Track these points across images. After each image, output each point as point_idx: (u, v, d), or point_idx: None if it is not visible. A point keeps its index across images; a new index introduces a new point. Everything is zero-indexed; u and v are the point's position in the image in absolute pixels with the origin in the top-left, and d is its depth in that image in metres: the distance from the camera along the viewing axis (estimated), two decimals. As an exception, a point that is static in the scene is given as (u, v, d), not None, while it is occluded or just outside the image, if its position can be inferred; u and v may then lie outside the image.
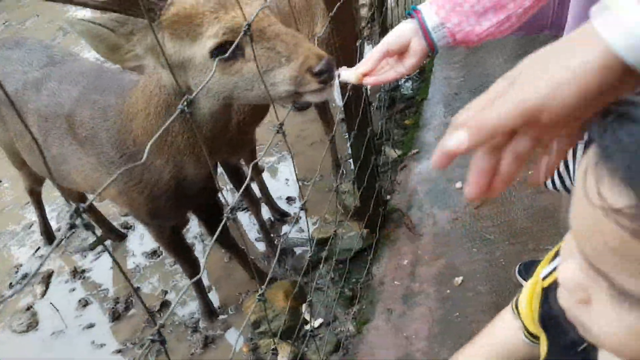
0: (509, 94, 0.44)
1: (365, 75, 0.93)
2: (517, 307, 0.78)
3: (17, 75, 1.59)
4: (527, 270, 1.61)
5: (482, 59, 2.54)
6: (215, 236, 0.84)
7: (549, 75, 0.42)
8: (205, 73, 1.01)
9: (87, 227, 0.49)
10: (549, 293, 0.68)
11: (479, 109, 0.46)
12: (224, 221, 0.83)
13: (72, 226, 0.48)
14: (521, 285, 1.43)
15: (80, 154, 1.42)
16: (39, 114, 1.48)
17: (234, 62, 0.99)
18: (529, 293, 0.75)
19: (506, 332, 0.81)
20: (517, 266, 1.62)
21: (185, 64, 1.03)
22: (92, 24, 0.97)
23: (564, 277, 0.46)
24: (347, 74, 0.94)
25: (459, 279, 1.67)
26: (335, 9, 1.36)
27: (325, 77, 0.97)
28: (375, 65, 0.92)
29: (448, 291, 1.65)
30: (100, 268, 2.28)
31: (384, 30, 2.51)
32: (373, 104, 2.49)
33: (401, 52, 0.90)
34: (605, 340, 0.44)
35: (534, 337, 0.75)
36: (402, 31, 0.89)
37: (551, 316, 0.67)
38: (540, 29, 1.90)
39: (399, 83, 2.59)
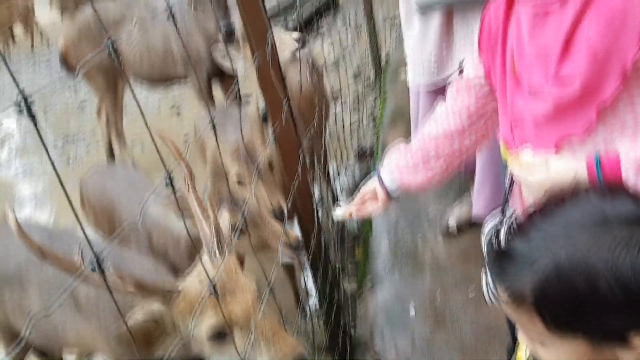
0: None
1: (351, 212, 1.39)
2: None
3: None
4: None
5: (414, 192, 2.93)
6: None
7: None
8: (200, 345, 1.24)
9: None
10: None
11: None
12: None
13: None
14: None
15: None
16: None
17: (226, 345, 1.22)
18: None
19: None
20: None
21: (195, 338, 1.24)
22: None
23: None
24: (339, 213, 1.40)
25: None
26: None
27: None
28: (357, 205, 1.39)
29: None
30: None
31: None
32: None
33: (372, 197, 1.37)
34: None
35: None
36: (371, 182, 1.38)
37: None
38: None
39: (345, 223, 2.89)
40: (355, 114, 4.16)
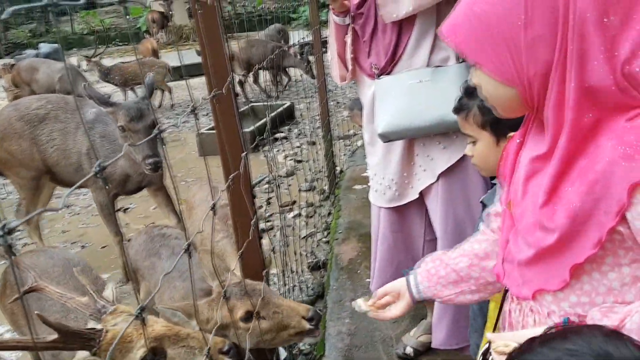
0: None
1: (372, 306, 1.36)
2: None
3: None
4: None
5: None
6: None
7: None
8: None
9: None
10: None
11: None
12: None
13: None
14: None
15: None
16: None
17: None
18: None
19: None
20: None
21: None
22: None
23: None
24: (359, 304, 1.37)
25: None
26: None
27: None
28: (378, 302, 1.36)
29: None
30: None
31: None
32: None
33: (395, 296, 1.35)
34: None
35: None
36: (398, 282, 1.35)
37: None
38: None
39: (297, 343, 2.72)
40: (309, 227, 4.13)
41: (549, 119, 0.92)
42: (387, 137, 2.06)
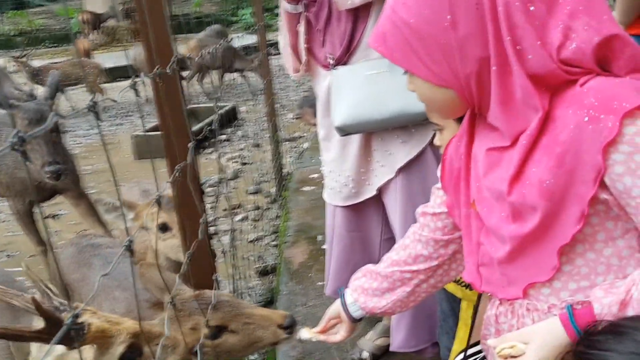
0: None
1: (318, 332, 1.32)
2: None
3: None
4: None
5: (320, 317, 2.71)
6: None
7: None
8: None
9: None
10: None
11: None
12: None
13: None
14: None
15: None
16: None
17: None
18: None
19: None
20: None
21: None
22: None
23: None
24: (303, 333, 1.35)
25: None
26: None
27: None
28: (324, 327, 1.33)
29: None
30: None
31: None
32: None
33: (338, 320, 1.31)
34: None
35: None
36: (336, 305, 1.32)
37: None
38: None
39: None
40: (257, 231, 3.98)
41: (498, 114, 0.88)
42: (345, 130, 1.95)
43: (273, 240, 3.85)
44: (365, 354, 2.37)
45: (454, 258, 1.20)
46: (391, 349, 2.20)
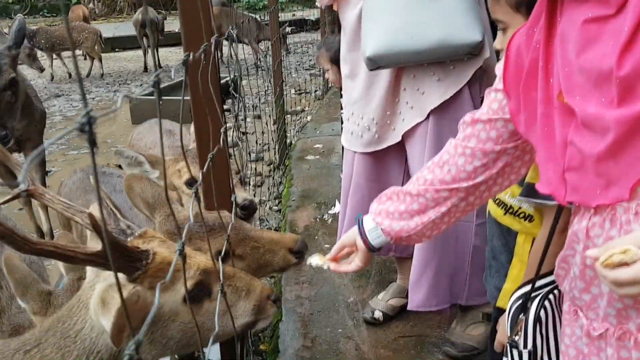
0: None
1: (331, 260, 1.19)
2: None
3: None
4: None
5: (329, 277, 2.57)
6: None
7: None
8: (169, 321, 1.04)
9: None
10: None
11: None
12: None
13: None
14: None
15: None
16: None
17: (202, 303, 1.07)
18: None
19: None
20: None
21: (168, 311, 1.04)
22: None
23: None
24: (315, 259, 1.20)
25: None
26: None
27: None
28: (337, 255, 1.19)
29: None
30: None
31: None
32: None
33: (354, 247, 1.16)
34: None
35: None
36: (352, 232, 1.17)
37: None
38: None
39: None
40: (258, 195, 3.83)
41: None
42: (376, 62, 1.79)
43: (275, 205, 3.71)
44: (378, 314, 2.23)
45: (502, 172, 1.04)
46: (409, 307, 2.05)
